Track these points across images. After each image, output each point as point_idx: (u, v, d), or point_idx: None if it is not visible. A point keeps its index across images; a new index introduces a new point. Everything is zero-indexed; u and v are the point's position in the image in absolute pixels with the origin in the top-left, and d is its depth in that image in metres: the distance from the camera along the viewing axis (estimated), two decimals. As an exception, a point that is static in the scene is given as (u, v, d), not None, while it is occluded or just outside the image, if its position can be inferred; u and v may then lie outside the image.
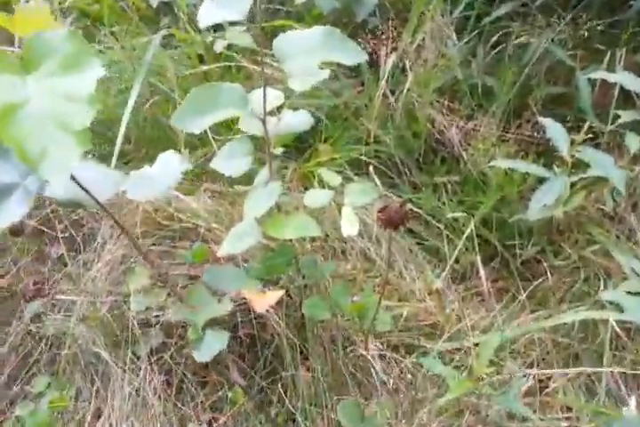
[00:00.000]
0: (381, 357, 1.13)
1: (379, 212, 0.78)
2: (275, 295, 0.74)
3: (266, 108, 0.88)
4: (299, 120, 0.95)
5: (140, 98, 1.55)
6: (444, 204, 1.55)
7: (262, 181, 0.97)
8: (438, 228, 1.54)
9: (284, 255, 0.96)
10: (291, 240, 1.01)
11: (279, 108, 0.98)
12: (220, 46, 1.67)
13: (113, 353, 1.15)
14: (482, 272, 1.32)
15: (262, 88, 0.88)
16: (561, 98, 1.64)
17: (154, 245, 1.26)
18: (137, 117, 1.58)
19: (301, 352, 1.09)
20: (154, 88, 1.66)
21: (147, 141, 1.64)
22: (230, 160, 0.96)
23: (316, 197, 1.09)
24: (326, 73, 0.78)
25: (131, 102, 1.41)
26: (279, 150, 0.94)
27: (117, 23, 1.80)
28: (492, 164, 1.17)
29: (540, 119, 1.13)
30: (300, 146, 1.77)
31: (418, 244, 1.57)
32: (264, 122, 0.88)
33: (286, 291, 1.09)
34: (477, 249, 1.33)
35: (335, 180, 1.13)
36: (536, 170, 1.07)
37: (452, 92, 1.65)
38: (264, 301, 0.71)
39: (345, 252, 1.47)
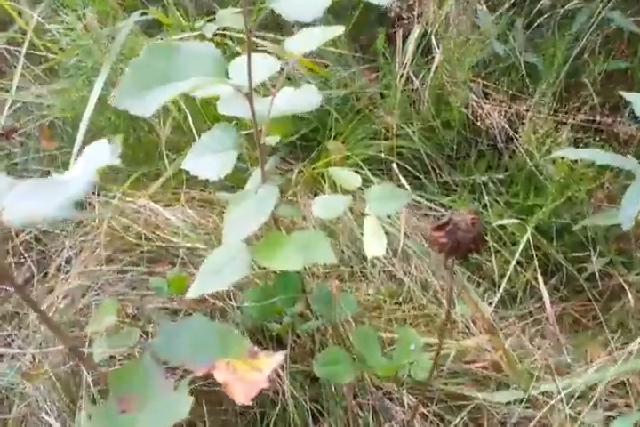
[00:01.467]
0: (423, 417, 0.84)
1: (435, 230, 0.49)
2: (269, 364, 0.46)
3: (252, 80, 0.60)
4: (301, 98, 0.67)
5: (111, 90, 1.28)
6: (485, 208, 1.26)
7: (254, 186, 0.69)
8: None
9: (287, 289, 0.68)
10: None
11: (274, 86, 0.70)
12: (210, 31, 1.40)
13: (69, 418, 0.87)
14: (545, 294, 1.03)
15: (247, 51, 0.60)
16: (622, 74, 1.35)
17: (123, 272, 0.98)
18: (108, 114, 1.31)
19: (313, 416, 0.81)
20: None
21: (123, 143, 1.36)
22: (206, 157, 0.68)
23: (329, 205, 0.81)
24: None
25: (95, 94, 1.14)
26: (274, 140, 0.65)
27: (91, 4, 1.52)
28: (557, 154, 0.88)
29: (626, 95, 0.84)
30: (305, 144, 1.49)
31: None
32: (250, 99, 0.60)
33: (292, 328, 0.81)
34: (537, 264, 1.04)
35: (353, 181, 0.85)
36: (627, 163, 0.78)
37: (486, 73, 1.36)
38: (250, 387, 0.42)
39: (364, 272, 1.18)
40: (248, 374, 0.43)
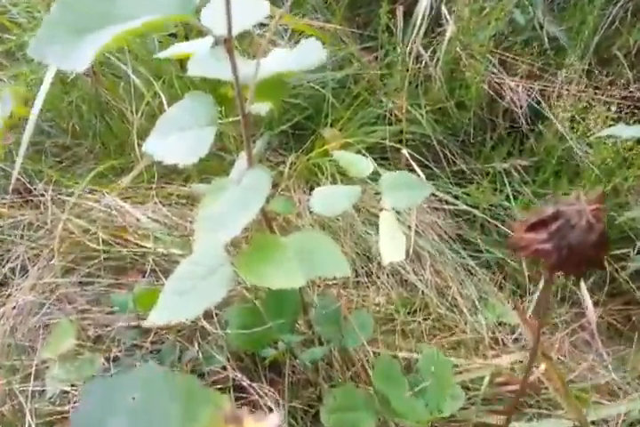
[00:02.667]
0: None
1: (530, 229, 0.31)
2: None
3: (231, 24, 0.43)
4: (301, 54, 0.50)
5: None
6: (507, 199, 1.09)
7: (238, 174, 0.52)
8: (500, 234, 1.09)
9: (282, 311, 0.51)
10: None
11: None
12: None
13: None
14: (587, 300, 0.87)
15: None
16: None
17: (83, 284, 0.80)
18: (72, 96, 1.13)
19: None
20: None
21: (90, 131, 1.19)
22: (174, 136, 0.51)
23: (331, 199, 0.65)
24: None
25: (50, 74, 0.96)
26: (263, 108, 0.48)
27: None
28: (602, 133, 0.72)
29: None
30: (298, 134, 1.33)
31: (472, 257, 1.11)
32: (229, 48, 0.43)
33: (290, 355, 0.64)
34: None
35: (363, 166, 0.69)
36: None
37: (506, 47, 1.19)
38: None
39: (370, 276, 1.02)
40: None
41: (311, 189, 1.21)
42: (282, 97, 0.52)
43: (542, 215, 0.30)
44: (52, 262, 0.83)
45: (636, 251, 1.03)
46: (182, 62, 0.88)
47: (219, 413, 0.33)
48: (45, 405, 0.70)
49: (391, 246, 0.66)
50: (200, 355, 0.65)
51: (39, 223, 0.84)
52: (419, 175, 0.96)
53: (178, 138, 0.50)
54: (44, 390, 0.72)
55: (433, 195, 1.12)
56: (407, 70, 1.19)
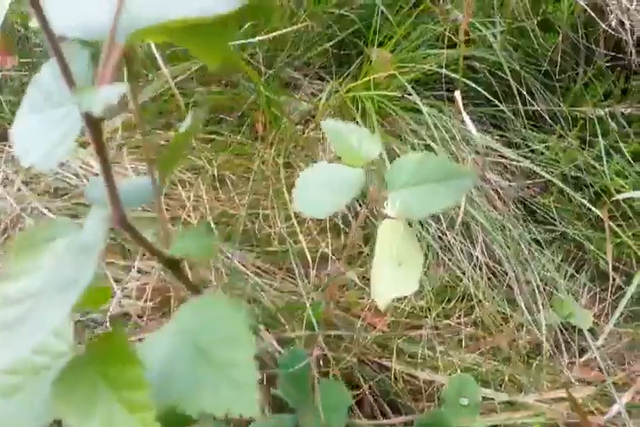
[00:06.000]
0: None
1: None
2: None
3: None
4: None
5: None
6: (597, 158, 0.81)
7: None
8: (583, 205, 0.82)
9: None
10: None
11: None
12: None
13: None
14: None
15: None
16: None
17: None
18: None
19: None
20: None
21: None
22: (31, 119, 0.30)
23: (319, 193, 0.44)
24: None
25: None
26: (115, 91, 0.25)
27: None
28: None
29: None
30: (342, 54, 1.10)
31: (541, 233, 0.86)
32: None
33: None
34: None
35: (369, 147, 0.46)
36: None
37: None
38: None
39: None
40: None
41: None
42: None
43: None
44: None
45: None
46: None
47: None
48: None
49: (393, 278, 0.44)
50: None
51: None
52: (468, 124, 0.69)
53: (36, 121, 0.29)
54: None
55: (491, 148, 0.85)
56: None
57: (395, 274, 0.44)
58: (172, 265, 0.34)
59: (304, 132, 1.02)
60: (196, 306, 0.31)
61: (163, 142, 0.84)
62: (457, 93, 0.76)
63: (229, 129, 0.94)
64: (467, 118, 0.67)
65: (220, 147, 0.87)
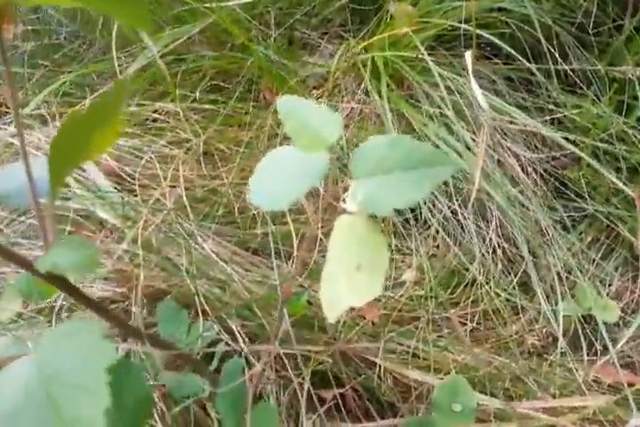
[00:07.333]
0: None
1: None
2: None
3: None
4: None
5: None
6: (635, 127, 0.70)
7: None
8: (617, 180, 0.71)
9: None
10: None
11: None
12: None
13: None
14: None
15: None
16: None
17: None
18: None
19: None
20: None
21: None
22: None
23: (276, 184, 0.37)
24: None
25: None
26: None
27: None
28: None
29: None
30: (360, 10, 1.00)
31: (567, 211, 0.76)
32: None
33: None
34: None
35: (326, 128, 0.37)
36: None
37: None
38: None
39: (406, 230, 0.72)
40: None
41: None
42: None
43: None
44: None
45: None
46: None
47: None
48: None
49: (349, 284, 0.37)
50: None
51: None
52: (481, 94, 0.59)
53: None
54: None
55: (510, 115, 0.74)
56: None
57: (351, 279, 0.37)
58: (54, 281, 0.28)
59: (320, 97, 0.94)
60: (63, 335, 0.25)
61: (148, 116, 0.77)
62: (467, 54, 0.66)
63: (228, 97, 0.87)
64: (473, 83, 0.58)
65: (213, 117, 0.79)
